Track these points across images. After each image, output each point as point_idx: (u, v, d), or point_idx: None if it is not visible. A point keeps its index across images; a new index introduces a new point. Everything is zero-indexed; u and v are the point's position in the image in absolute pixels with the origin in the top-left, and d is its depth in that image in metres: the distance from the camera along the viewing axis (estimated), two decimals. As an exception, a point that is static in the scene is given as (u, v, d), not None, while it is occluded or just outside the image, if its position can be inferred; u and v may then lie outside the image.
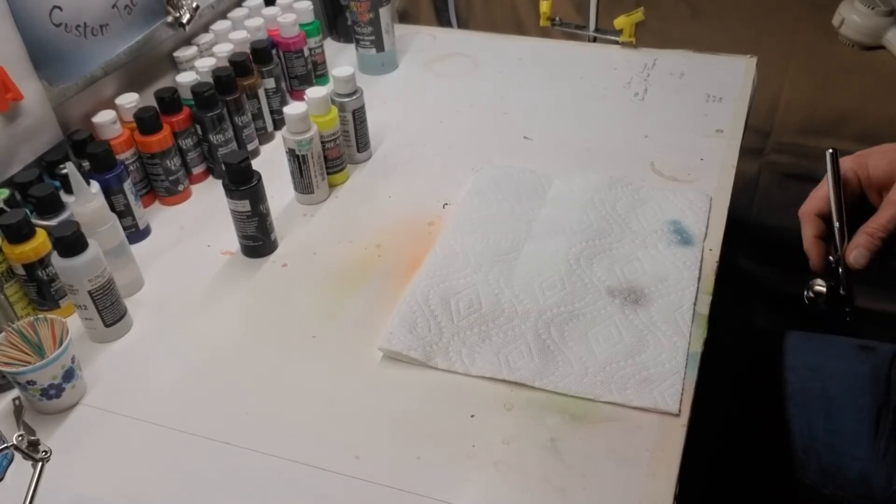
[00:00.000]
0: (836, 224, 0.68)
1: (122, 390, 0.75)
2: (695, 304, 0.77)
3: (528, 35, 1.48)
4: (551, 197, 0.92)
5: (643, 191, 0.92)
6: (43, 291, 0.79)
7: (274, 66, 1.08)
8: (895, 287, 1.44)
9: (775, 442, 0.94)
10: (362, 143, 1.03)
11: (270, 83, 1.08)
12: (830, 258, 0.69)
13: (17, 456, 0.63)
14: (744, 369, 1.05)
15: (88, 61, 0.93)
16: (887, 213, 0.67)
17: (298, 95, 1.10)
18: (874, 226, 0.67)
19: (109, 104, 0.95)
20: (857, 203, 0.69)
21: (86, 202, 0.78)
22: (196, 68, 1.02)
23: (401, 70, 1.25)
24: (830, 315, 0.69)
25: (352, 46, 1.24)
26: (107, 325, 0.79)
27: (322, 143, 0.95)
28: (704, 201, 0.90)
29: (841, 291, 0.69)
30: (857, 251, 0.68)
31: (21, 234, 0.75)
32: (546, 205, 0.91)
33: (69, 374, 0.71)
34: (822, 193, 0.70)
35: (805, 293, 0.69)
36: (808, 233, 0.70)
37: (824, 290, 0.68)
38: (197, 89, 0.95)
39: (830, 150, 0.68)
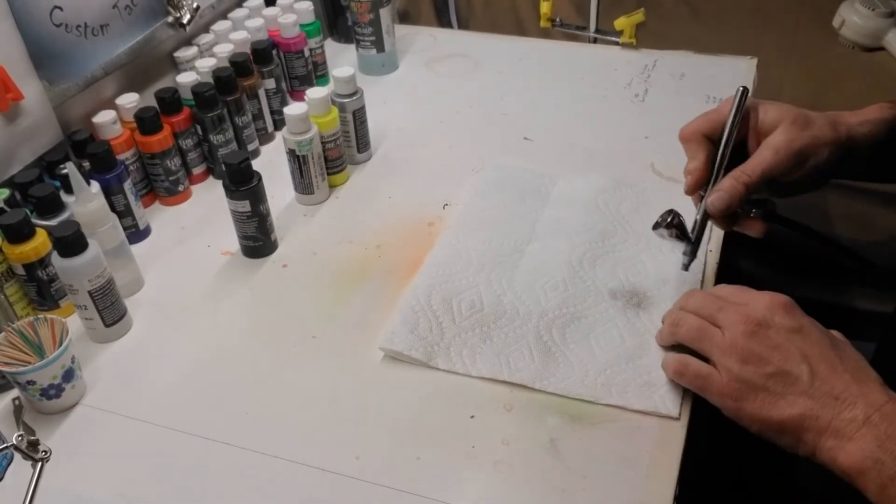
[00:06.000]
0: (718, 161, 0.68)
1: (122, 390, 0.75)
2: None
3: (528, 36, 1.48)
4: (555, 198, 0.92)
5: (648, 192, 0.92)
6: (43, 291, 0.79)
7: (274, 66, 1.08)
8: (875, 286, 1.44)
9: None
10: (362, 143, 1.03)
11: (271, 83, 1.08)
12: (701, 192, 0.70)
13: (17, 456, 0.63)
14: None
15: (89, 61, 0.93)
16: (759, 158, 0.67)
17: (299, 96, 1.10)
18: (741, 170, 0.67)
19: (110, 104, 0.95)
20: (736, 146, 0.69)
21: (86, 202, 0.78)
22: (196, 68, 1.02)
23: (401, 70, 1.25)
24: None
25: (352, 47, 1.24)
26: (107, 325, 0.79)
27: (322, 143, 0.95)
28: None
29: (689, 231, 0.71)
30: (716, 195, 0.68)
31: (21, 234, 0.75)
32: (550, 206, 0.91)
33: (69, 374, 0.71)
34: (715, 118, 0.69)
35: (660, 223, 0.71)
36: (701, 155, 0.69)
37: (670, 219, 0.71)
38: (197, 89, 0.95)
39: (742, 87, 0.68)
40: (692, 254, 0.73)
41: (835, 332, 0.63)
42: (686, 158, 0.72)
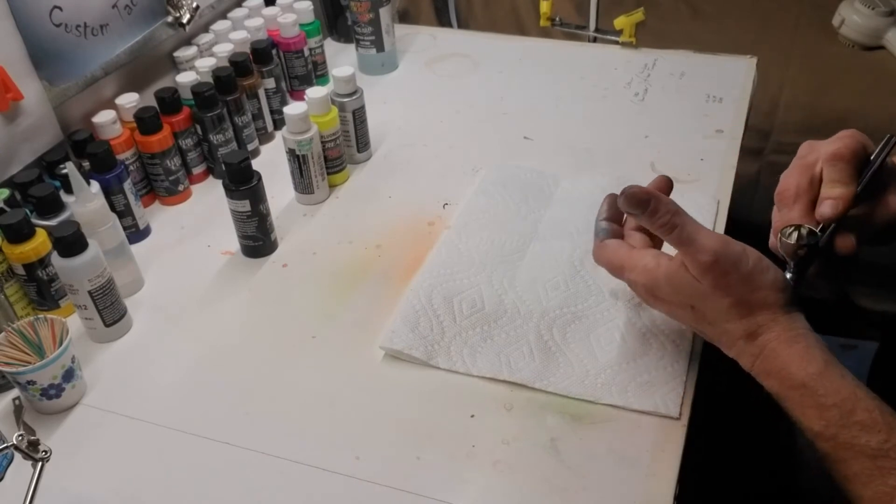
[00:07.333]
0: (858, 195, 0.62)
1: (122, 390, 0.75)
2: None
3: (528, 35, 1.48)
4: (558, 198, 0.92)
5: None
6: (43, 291, 0.79)
7: (274, 66, 1.08)
8: (878, 286, 1.44)
9: (773, 441, 0.94)
10: (362, 143, 1.03)
11: (270, 83, 1.08)
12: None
13: (17, 456, 0.63)
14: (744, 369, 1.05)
15: (88, 61, 0.93)
16: (889, 210, 0.64)
17: (298, 95, 1.10)
18: (874, 216, 0.64)
19: (109, 104, 0.95)
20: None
21: (86, 202, 0.78)
22: (196, 68, 1.02)
23: (401, 70, 1.25)
24: (801, 265, 0.63)
25: (352, 46, 1.24)
26: (107, 325, 0.79)
27: (322, 143, 0.95)
28: (712, 204, 0.89)
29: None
30: (850, 238, 0.63)
31: (21, 234, 0.75)
32: (552, 206, 0.91)
33: (69, 374, 0.71)
34: (862, 147, 0.63)
35: (793, 232, 0.62)
36: (854, 185, 0.62)
37: (805, 232, 0.62)
38: (197, 89, 0.95)
39: (890, 136, 0.63)
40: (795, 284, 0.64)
41: (687, 283, 0.61)
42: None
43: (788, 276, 0.63)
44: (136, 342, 0.80)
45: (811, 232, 0.62)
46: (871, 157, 0.64)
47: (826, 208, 0.62)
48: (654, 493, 0.62)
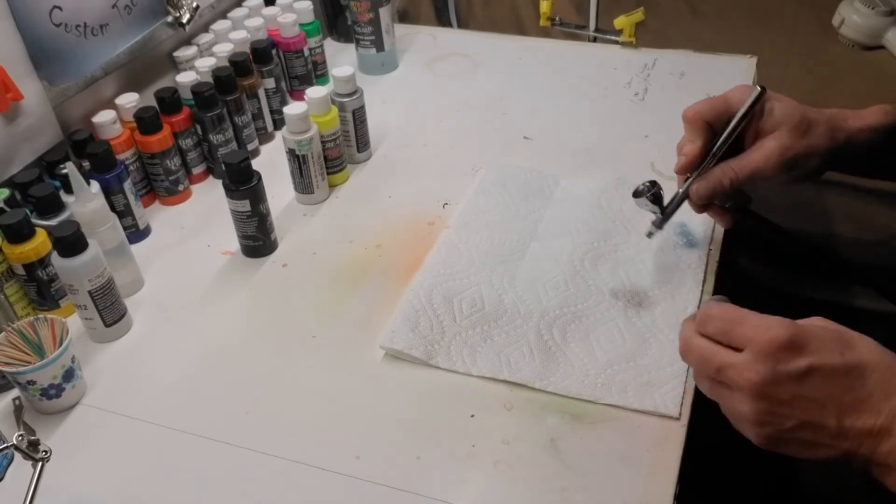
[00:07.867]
0: (714, 150, 0.71)
1: (122, 390, 0.75)
2: (699, 306, 0.77)
3: (528, 35, 1.48)
4: (558, 198, 0.92)
5: None
6: (43, 291, 0.79)
7: (274, 65, 1.08)
8: (878, 286, 1.44)
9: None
10: (362, 142, 1.03)
11: (270, 83, 1.08)
12: (688, 173, 0.72)
13: (17, 456, 0.63)
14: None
15: (88, 61, 0.93)
16: (749, 159, 0.69)
17: (298, 95, 1.10)
18: (731, 166, 0.70)
19: (109, 104, 0.95)
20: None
21: (86, 202, 0.78)
22: (196, 68, 1.02)
23: (401, 70, 1.25)
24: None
25: (352, 46, 1.24)
26: (107, 325, 0.79)
27: (322, 142, 0.95)
28: None
29: (665, 203, 0.74)
30: (702, 184, 0.71)
31: (21, 234, 0.75)
32: (552, 205, 0.91)
33: (69, 374, 0.71)
34: (722, 109, 0.71)
35: (643, 188, 0.74)
36: (700, 141, 0.71)
37: (648, 187, 0.73)
38: (197, 89, 0.95)
39: (761, 88, 0.69)
40: (659, 226, 0.76)
41: (834, 329, 0.55)
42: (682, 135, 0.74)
43: (657, 220, 0.76)
44: (136, 342, 0.80)
45: (652, 182, 0.74)
46: (741, 111, 0.70)
47: (676, 164, 0.72)
48: (654, 492, 0.62)
